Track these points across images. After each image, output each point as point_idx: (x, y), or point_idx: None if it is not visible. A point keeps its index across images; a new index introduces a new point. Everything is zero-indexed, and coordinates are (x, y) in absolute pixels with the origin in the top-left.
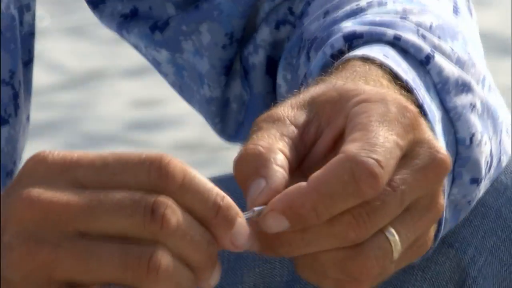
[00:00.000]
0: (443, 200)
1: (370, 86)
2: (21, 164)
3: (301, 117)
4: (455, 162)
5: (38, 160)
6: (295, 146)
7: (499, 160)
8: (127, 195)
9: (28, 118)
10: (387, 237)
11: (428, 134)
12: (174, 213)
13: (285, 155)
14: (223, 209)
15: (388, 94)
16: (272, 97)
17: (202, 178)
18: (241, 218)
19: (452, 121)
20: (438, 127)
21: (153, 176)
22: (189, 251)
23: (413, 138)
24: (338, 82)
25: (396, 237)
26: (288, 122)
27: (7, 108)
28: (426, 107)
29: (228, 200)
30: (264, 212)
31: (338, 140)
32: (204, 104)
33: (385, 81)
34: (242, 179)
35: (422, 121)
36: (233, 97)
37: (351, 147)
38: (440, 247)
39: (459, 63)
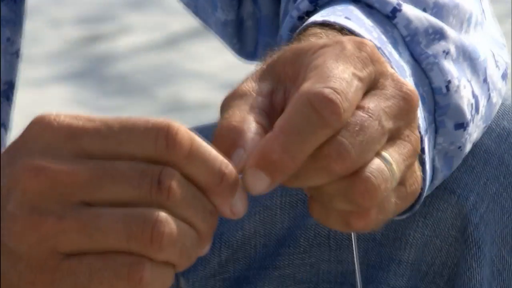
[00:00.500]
0: (418, 134)
1: (325, 39)
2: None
3: (265, 86)
4: (435, 111)
5: (43, 126)
6: (268, 115)
7: (489, 97)
8: (133, 165)
9: (12, 54)
10: (382, 161)
11: (389, 68)
12: (180, 184)
13: (259, 124)
14: (227, 177)
15: (343, 37)
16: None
17: (208, 147)
18: (240, 191)
19: (425, 71)
20: (410, 81)
21: (160, 146)
22: (193, 220)
23: (375, 69)
24: (292, 45)
25: (391, 160)
26: (253, 94)
27: None
28: (393, 64)
29: (231, 168)
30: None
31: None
32: (220, 27)
33: None
34: (223, 155)
35: (380, 55)
36: (246, 15)
37: (305, 84)
38: (441, 194)
39: (437, 7)
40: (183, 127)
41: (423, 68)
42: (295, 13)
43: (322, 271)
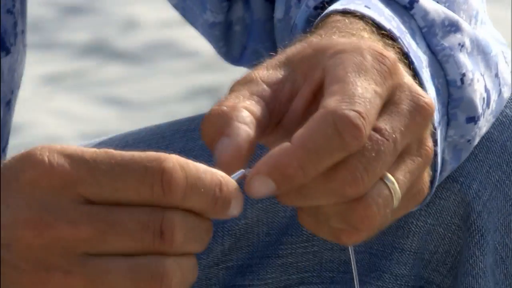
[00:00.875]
0: (431, 144)
1: (346, 38)
2: (16, 93)
3: (275, 76)
4: (448, 104)
5: (38, 174)
6: (266, 104)
7: (500, 92)
8: (134, 215)
9: (24, 46)
10: (386, 185)
11: (407, 78)
12: (181, 227)
13: (251, 112)
14: (221, 200)
15: (363, 43)
16: (272, 24)
17: (202, 177)
18: (235, 198)
19: (441, 63)
20: (426, 72)
21: (156, 193)
22: (194, 250)
23: (392, 84)
24: (313, 39)
25: (395, 183)
26: (260, 81)
27: (11, 37)
28: (411, 54)
29: (225, 188)
30: (248, 176)
31: (317, 94)
32: (207, 29)
33: (366, 34)
34: (208, 140)
35: (399, 66)
36: (235, 20)
37: (331, 101)
38: (444, 182)
39: (449, 1)
40: (177, 167)
41: (439, 59)
42: (311, 3)
43: (325, 260)
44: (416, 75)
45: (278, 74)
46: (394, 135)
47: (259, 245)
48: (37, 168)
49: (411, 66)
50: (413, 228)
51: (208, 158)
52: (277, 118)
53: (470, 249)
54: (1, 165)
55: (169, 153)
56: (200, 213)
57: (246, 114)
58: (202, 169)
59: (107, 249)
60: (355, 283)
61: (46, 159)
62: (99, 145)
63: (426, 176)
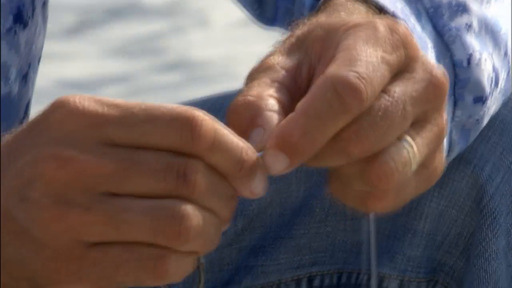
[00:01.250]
0: (445, 118)
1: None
2: (35, 66)
3: (291, 60)
4: (455, 84)
5: (68, 112)
6: (288, 89)
7: (509, 71)
8: (159, 157)
9: (44, 18)
10: (403, 145)
11: (421, 52)
12: (204, 176)
13: (277, 99)
14: (246, 165)
15: (378, 18)
16: None
17: (230, 135)
18: (260, 171)
19: (447, 44)
20: (431, 54)
21: (185, 138)
22: (216, 208)
23: (406, 53)
24: (322, 18)
25: (413, 144)
26: (278, 68)
27: (28, 10)
28: (416, 36)
29: (251, 154)
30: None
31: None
32: None
33: (370, 16)
34: (239, 131)
35: (413, 38)
36: None
37: (332, 66)
38: (457, 164)
39: None
40: (207, 118)
41: (445, 40)
42: None
43: (338, 241)
44: None
45: (293, 58)
46: (403, 98)
47: (272, 226)
48: (66, 108)
49: None
50: (425, 210)
51: None
52: (297, 102)
53: (482, 231)
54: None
55: None
56: (225, 175)
57: (273, 102)
58: (230, 133)
59: (129, 188)
60: (371, 254)
61: (77, 100)
62: None
63: (441, 155)
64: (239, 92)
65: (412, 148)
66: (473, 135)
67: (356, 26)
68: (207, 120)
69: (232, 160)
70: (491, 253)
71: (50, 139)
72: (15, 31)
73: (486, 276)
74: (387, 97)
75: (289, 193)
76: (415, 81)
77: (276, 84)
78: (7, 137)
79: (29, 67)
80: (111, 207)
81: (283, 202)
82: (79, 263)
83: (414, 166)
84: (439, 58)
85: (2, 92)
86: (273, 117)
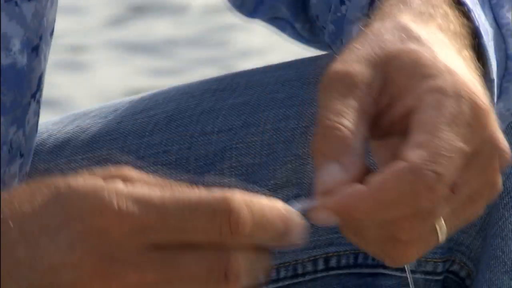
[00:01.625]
0: (500, 183)
1: (444, 56)
2: (47, 39)
3: (376, 81)
4: (503, 77)
5: (109, 222)
6: (369, 115)
7: None
8: (199, 260)
9: None
10: (436, 230)
11: (494, 128)
12: (245, 261)
13: (362, 136)
14: (285, 235)
15: (464, 86)
16: None
17: (267, 211)
18: (297, 228)
19: (504, 37)
20: (491, 47)
21: (225, 233)
22: (247, 281)
23: (480, 137)
24: (411, 33)
25: (444, 226)
26: (361, 85)
27: None
28: (481, 28)
29: (290, 222)
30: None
31: (404, 119)
32: None
33: (447, 8)
34: (319, 155)
35: (492, 117)
36: None
37: (414, 154)
38: None
39: None
40: (242, 205)
41: (503, 33)
42: None
43: None
44: (482, 50)
45: (378, 78)
46: (463, 189)
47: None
48: (106, 214)
49: (477, 40)
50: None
51: (235, 118)
52: (372, 127)
53: (499, 211)
54: (59, 186)
55: (198, 111)
56: (269, 244)
57: (362, 143)
58: (266, 205)
59: None
60: None
61: (116, 205)
62: (130, 103)
63: (498, 177)
64: (325, 114)
65: (442, 226)
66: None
67: (442, 91)
68: (244, 211)
69: (272, 236)
70: (507, 232)
71: (91, 249)
72: (16, 2)
73: (503, 256)
74: (452, 193)
75: (305, 172)
76: (478, 168)
77: (365, 116)
78: (15, 197)
79: (40, 39)
80: None
81: (299, 181)
82: None
83: (441, 239)
84: (495, 50)
85: (4, 63)
86: (356, 163)
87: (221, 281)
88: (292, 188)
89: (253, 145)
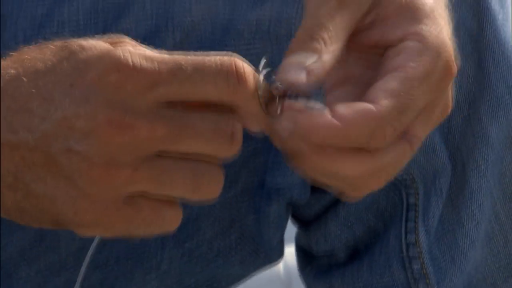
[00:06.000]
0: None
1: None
2: None
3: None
4: None
5: (124, 77)
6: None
7: None
8: (207, 119)
9: None
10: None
11: (451, 89)
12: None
13: (338, 56)
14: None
15: (445, 44)
16: None
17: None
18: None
19: None
20: None
21: (233, 82)
22: None
23: (439, 96)
24: None
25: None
26: (357, 4)
27: None
28: None
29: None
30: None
31: (381, 45)
32: None
33: None
34: (291, 49)
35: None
36: None
37: (384, 104)
38: None
39: None
40: (245, 64)
41: None
42: None
43: None
44: None
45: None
46: (421, 137)
47: (206, 43)
48: (122, 71)
49: None
50: None
51: None
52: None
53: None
54: (74, 50)
55: None
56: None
57: (333, 60)
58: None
59: (178, 150)
60: None
61: (131, 62)
62: None
63: (450, 93)
64: (309, 17)
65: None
66: None
67: (425, 42)
68: (247, 67)
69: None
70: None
71: (107, 101)
72: None
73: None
74: (404, 141)
75: (217, 13)
76: (433, 120)
77: (347, 31)
78: (31, 52)
79: None
80: (157, 167)
81: (212, 21)
82: (111, 215)
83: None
84: None
85: None
86: (328, 61)
87: (226, 140)
88: (207, 25)
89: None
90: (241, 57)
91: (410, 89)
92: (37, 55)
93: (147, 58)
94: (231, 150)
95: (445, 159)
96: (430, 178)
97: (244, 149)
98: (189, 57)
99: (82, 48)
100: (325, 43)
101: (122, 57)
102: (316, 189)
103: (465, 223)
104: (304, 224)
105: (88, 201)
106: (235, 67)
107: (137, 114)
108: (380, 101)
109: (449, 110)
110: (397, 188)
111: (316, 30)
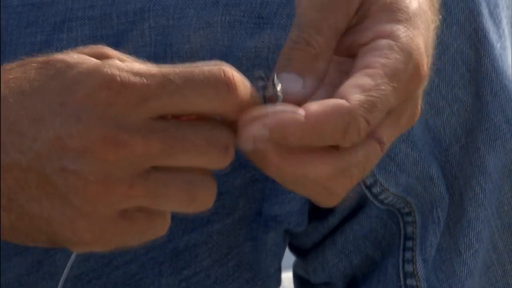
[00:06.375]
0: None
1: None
2: None
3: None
4: None
5: (115, 94)
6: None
7: None
8: (201, 132)
9: None
10: (375, 144)
11: (420, 94)
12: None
13: (330, 58)
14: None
15: (417, 48)
16: None
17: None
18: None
19: None
20: None
21: (222, 91)
22: None
23: (408, 97)
24: None
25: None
26: (345, 6)
27: None
28: None
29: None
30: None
31: (358, 45)
32: None
33: None
34: (283, 62)
35: (423, 85)
36: None
37: (355, 97)
38: None
39: None
40: (234, 71)
41: None
42: None
43: None
44: None
45: None
46: (388, 143)
47: None
48: (112, 88)
49: None
50: None
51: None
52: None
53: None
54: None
55: None
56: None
57: (326, 64)
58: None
59: (172, 164)
60: None
61: (119, 78)
62: None
63: (419, 98)
64: (301, 16)
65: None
66: None
67: (397, 39)
68: (235, 73)
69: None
70: None
71: (99, 119)
72: None
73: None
74: (376, 144)
75: (216, 40)
76: (400, 125)
77: (336, 32)
78: (17, 70)
79: None
80: (152, 181)
81: (211, 48)
82: (109, 231)
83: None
84: None
85: None
86: (315, 84)
87: (220, 152)
88: (205, 53)
89: (168, 7)
90: (231, 66)
91: (381, 84)
92: (22, 74)
93: (135, 73)
94: (224, 162)
95: (443, 188)
96: (428, 207)
97: (241, 177)
98: (177, 69)
99: (68, 65)
100: (320, 47)
101: (110, 73)
102: (314, 218)
103: (463, 252)
104: (301, 252)
105: (85, 220)
106: (224, 75)
107: (131, 130)
108: (352, 96)
109: (416, 118)
110: (395, 216)
111: (311, 33)
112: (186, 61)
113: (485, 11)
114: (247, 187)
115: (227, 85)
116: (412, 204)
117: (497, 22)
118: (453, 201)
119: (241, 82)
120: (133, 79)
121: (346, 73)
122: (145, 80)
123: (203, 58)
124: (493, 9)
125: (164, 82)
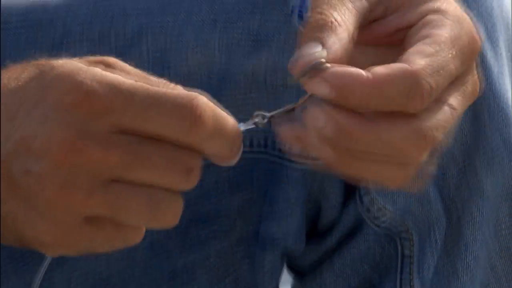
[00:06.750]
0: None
1: None
2: None
3: None
4: None
5: (81, 99)
6: (362, 20)
7: None
8: (163, 152)
9: None
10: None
11: (476, 65)
12: (201, 171)
13: (352, 36)
14: (237, 147)
15: (464, 17)
16: None
17: (227, 121)
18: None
19: None
20: None
21: (185, 127)
22: None
23: (466, 68)
24: None
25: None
26: None
27: None
28: None
29: (238, 141)
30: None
31: (399, 32)
32: None
33: None
34: (303, 38)
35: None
36: None
37: (420, 62)
38: None
39: None
40: (207, 105)
41: None
42: None
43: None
44: None
45: None
46: (460, 111)
47: (203, 89)
48: (79, 93)
49: None
50: None
51: (153, 1)
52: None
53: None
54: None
55: None
56: (215, 157)
57: (348, 37)
58: (227, 116)
59: (133, 178)
60: None
61: (89, 85)
62: None
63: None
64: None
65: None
66: None
67: (446, 13)
68: (207, 110)
69: (227, 146)
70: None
71: (63, 121)
72: None
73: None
74: (446, 107)
75: (213, 61)
76: (467, 92)
77: (356, 16)
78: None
79: None
80: (112, 194)
81: (209, 66)
82: (72, 235)
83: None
84: None
85: None
86: (340, 47)
87: (181, 174)
88: (203, 71)
89: (166, 27)
90: (209, 96)
91: (440, 51)
92: (14, 74)
93: (105, 84)
94: (187, 184)
95: (440, 210)
96: (425, 230)
97: (239, 199)
98: (151, 88)
99: (51, 67)
100: (339, 24)
101: (79, 80)
102: (311, 239)
103: (460, 275)
104: (299, 274)
105: (46, 223)
106: (194, 107)
107: (91, 138)
108: (415, 61)
109: (479, 90)
110: (392, 239)
111: (324, 8)
112: (184, 80)
113: (482, 35)
114: (244, 208)
115: (194, 118)
116: (409, 226)
117: (494, 46)
118: (451, 223)
119: (211, 116)
120: (100, 89)
121: (389, 62)
122: (111, 93)
123: (201, 80)
124: (491, 32)
125: (131, 100)
